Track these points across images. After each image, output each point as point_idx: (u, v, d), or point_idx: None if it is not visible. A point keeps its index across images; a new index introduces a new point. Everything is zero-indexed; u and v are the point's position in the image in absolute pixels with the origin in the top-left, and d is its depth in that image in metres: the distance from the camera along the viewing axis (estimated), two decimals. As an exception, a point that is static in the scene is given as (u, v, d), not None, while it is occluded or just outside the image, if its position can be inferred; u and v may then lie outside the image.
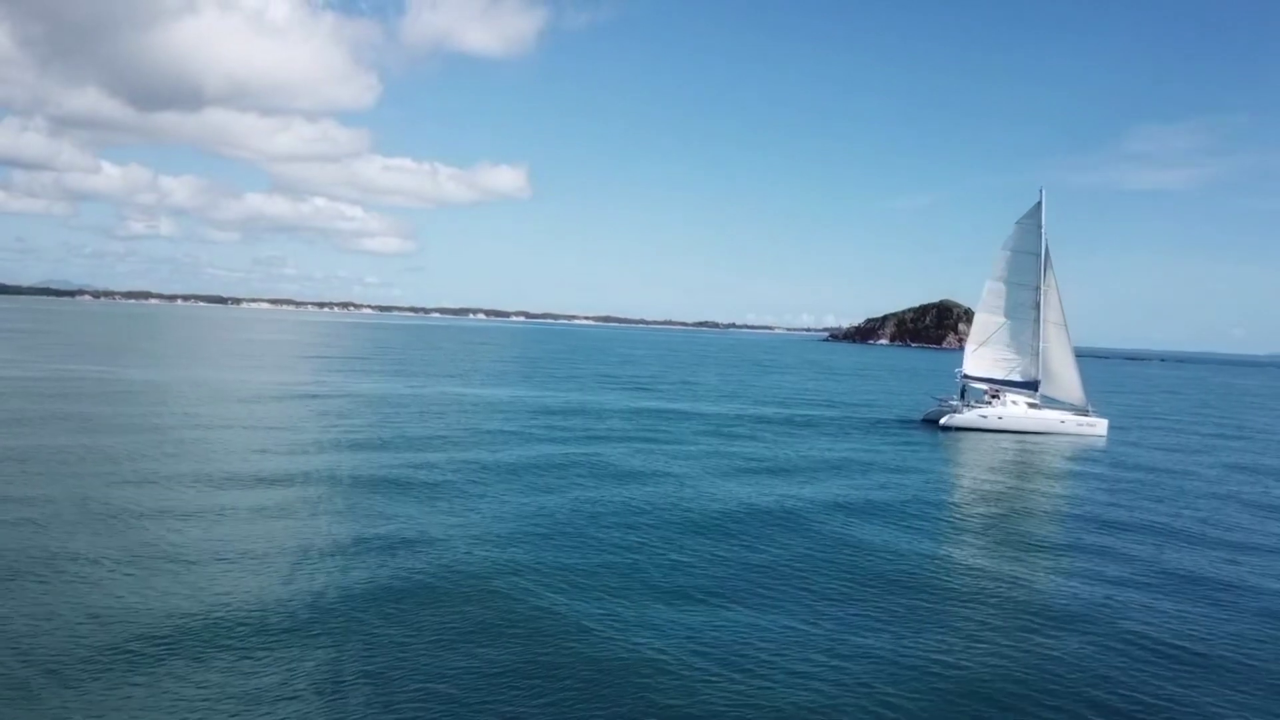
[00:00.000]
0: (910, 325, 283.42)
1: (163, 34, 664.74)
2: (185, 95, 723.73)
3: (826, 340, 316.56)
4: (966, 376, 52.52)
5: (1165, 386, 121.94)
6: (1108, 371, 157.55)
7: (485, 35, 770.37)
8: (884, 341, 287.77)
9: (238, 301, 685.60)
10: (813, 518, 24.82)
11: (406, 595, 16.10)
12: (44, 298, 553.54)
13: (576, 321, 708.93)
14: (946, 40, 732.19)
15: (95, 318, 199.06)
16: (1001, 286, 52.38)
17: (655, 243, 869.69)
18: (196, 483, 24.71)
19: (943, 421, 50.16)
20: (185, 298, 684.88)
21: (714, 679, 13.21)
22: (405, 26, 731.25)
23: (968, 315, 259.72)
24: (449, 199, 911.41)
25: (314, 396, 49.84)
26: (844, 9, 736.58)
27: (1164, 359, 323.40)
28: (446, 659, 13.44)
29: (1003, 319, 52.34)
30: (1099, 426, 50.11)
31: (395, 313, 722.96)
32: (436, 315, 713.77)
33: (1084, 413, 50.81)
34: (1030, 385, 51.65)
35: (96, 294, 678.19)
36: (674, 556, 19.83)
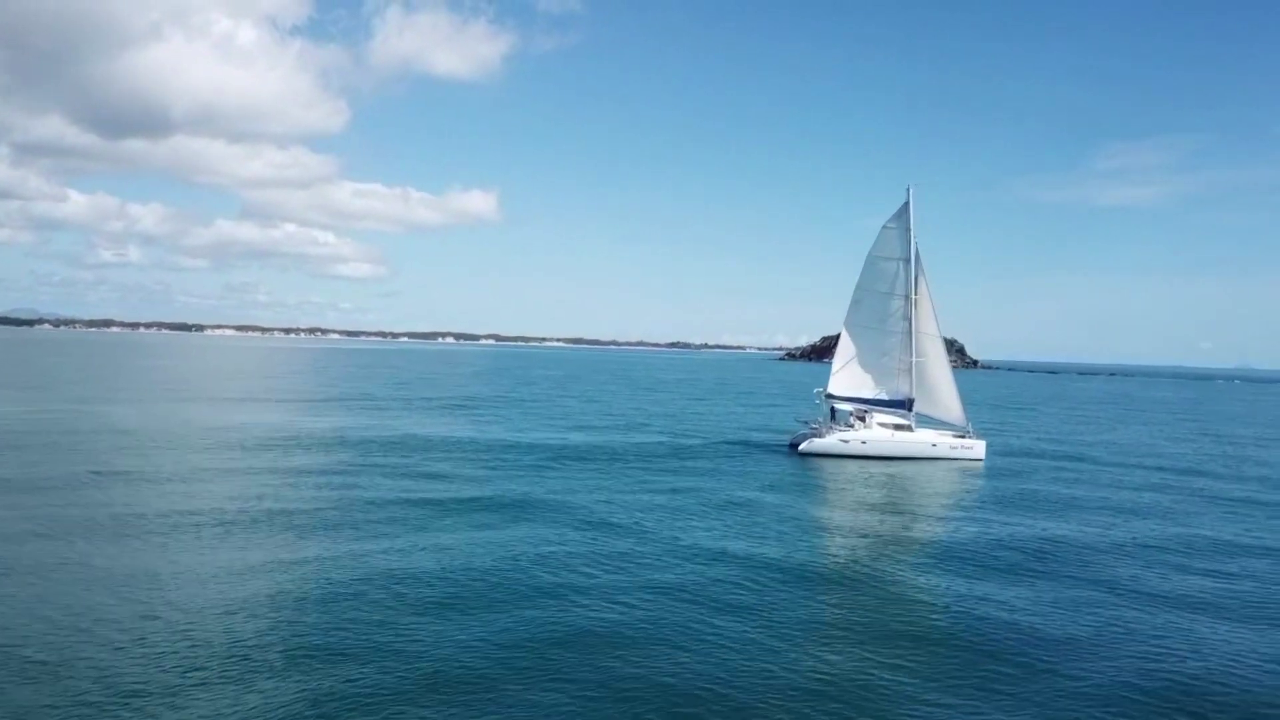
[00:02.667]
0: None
1: (128, 61, 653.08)
2: (152, 122, 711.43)
3: (782, 359, 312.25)
4: (830, 396, 47.56)
5: (1085, 400, 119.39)
6: (1042, 386, 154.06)
7: (452, 59, 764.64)
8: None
9: (201, 328, 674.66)
10: (574, 558, 20.61)
11: None
12: (4, 327, 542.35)
13: (548, 344, 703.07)
14: (917, 62, 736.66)
15: (18, 346, 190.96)
16: (868, 296, 47.60)
17: (629, 265, 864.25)
18: None
19: (801, 447, 45.22)
20: (148, 325, 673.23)
21: None
22: (373, 51, 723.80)
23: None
24: (421, 223, 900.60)
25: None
26: (815, 30, 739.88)
27: (1113, 373, 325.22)
28: None
29: (870, 332, 47.51)
30: (976, 449, 45.33)
31: (363, 337, 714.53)
32: (405, 339, 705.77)
33: (963, 434, 46.03)
34: (903, 404, 46.78)
35: (57, 323, 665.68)
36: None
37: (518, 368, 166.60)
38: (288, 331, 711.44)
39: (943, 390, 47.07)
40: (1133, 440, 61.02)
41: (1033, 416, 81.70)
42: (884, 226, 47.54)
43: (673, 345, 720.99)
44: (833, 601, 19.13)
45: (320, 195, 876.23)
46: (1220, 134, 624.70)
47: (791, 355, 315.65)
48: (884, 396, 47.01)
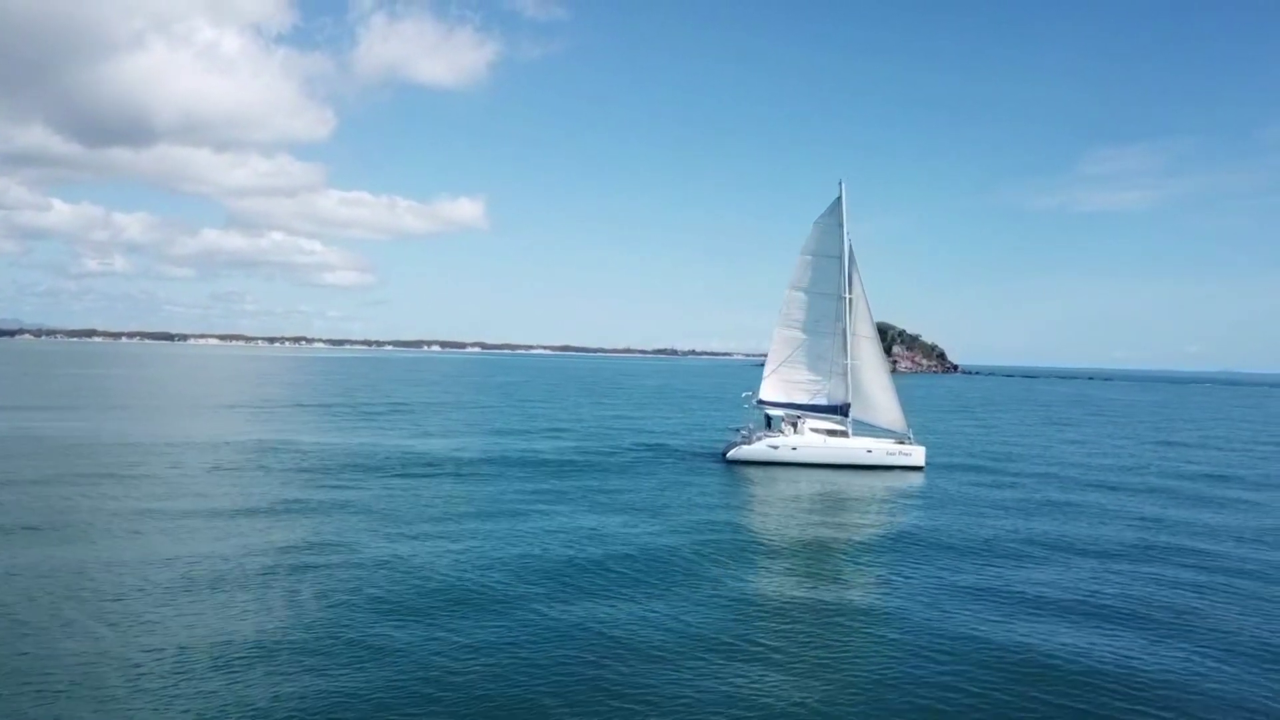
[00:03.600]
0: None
1: (111, 70, 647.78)
2: (136, 131, 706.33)
3: (760, 365, 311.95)
4: (762, 402, 45.23)
5: (1048, 402, 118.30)
6: (1013, 390, 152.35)
7: (438, 67, 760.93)
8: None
9: (185, 338, 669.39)
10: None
11: None
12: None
13: (534, 351, 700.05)
14: (906, 66, 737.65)
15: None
16: (801, 296, 45.31)
17: (619, 271, 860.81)
18: None
19: (729, 455, 42.87)
20: (130, 335, 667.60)
21: None
22: (358, 59, 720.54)
23: (901, 337, 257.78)
24: (408, 231, 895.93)
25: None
26: (803, 34, 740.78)
27: (1092, 377, 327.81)
28: None
29: (803, 334, 45.26)
30: (915, 455, 43.08)
31: (348, 346, 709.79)
32: (390, 348, 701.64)
33: (901, 440, 43.72)
34: (838, 409, 44.49)
35: (39, 333, 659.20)
36: None
37: (481, 375, 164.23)
38: (272, 341, 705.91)
39: (878, 395, 44.80)
40: (1076, 443, 59.07)
41: (988, 419, 79.90)
42: (815, 222, 45.28)
43: (658, 352, 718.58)
44: (686, 622, 16.70)
45: (306, 204, 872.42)
46: (1208, 138, 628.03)
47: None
48: (820, 401, 44.71)
